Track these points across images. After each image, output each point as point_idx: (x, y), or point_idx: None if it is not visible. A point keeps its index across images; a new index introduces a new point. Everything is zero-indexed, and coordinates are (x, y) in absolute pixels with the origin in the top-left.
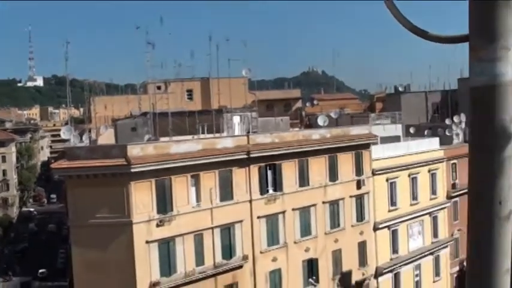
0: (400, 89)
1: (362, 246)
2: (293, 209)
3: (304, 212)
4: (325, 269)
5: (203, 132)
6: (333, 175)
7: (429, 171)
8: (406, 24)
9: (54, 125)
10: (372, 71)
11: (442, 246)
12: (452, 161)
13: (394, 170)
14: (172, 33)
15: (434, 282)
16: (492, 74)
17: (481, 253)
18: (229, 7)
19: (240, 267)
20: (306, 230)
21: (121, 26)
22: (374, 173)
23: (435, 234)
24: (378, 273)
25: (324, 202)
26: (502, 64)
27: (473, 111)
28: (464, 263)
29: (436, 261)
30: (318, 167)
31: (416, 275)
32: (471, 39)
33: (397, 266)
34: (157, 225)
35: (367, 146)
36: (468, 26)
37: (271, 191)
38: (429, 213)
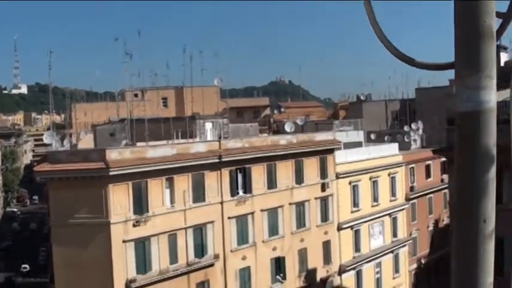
0: (362, 97)
1: (326, 245)
2: (261, 210)
3: (272, 213)
4: (292, 267)
5: (177, 138)
6: (299, 178)
7: (389, 174)
8: (393, 51)
9: (37, 130)
10: (335, 81)
11: (401, 245)
12: (410, 165)
13: (356, 173)
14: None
15: (393, 278)
16: (477, 101)
17: (466, 268)
18: (203, 20)
19: (212, 265)
20: (273, 230)
21: (101, 38)
22: (338, 176)
23: (395, 234)
24: (341, 271)
25: (290, 204)
26: (487, 92)
27: (460, 135)
28: (422, 260)
29: (396, 259)
30: (285, 171)
31: (377, 272)
32: (457, 68)
33: (359, 263)
34: (134, 226)
35: (331, 151)
36: (454, 54)
37: (241, 193)
38: (389, 214)
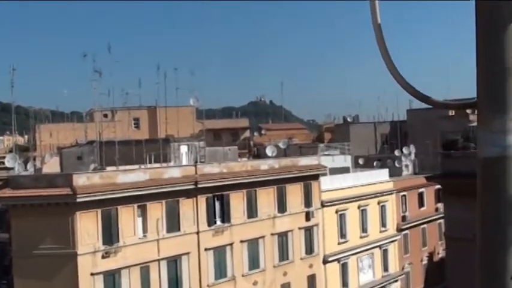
0: (349, 119)
1: (311, 280)
2: (241, 241)
3: (253, 244)
4: None
5: (150, 162)
6: (282, 206)
7: (379, 203)
8: (408, 88)
9: None
10: (320, 101)
11: (392, 280)
12: (402, 193)
13: (343, 201)
14: (120, 61)
15: None
16: (503, 145)
17: None
18: (178, 36)
19: None
20: (254, 262)
21: (68, 53)
22: (323, 204)
23: (386, 268)
24: None
25: (272, 234)
26: None
27: (483, 182)
28: None
29: None
30: (266, 198)
31: None
32: (480, 109)
33: None
34: (103, 257)
35: (316, 177)
36: (476, 94)
37: (219, 223)
38: (379, 246)
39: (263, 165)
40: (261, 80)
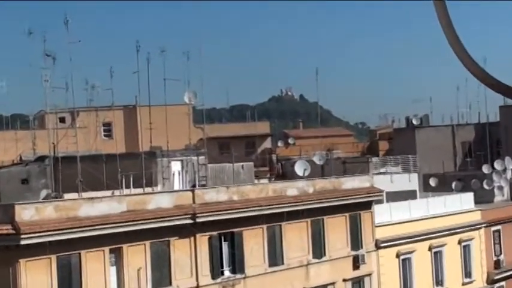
0: (415, 121)
1: None
2: None
3: None
4: None
5: (128, 186)
6: (319, 249)
7: (460, 242)
8: (481, 75)
9: None
10: (372, 96)
11: None
12: (494, 228)
13: (407, 241)
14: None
15: None
16: None
17: None
18: (168, 7)
19: None
20: None
21: (6, 30)
22: (378, 245)
23: None
24: None
25: None
26: None
27: None
28: None
29: None
30: (296, 237)
31: None
32: None
33: None
34: None
35: (367, 206)
36: None
37: (227, 273)
38: None
39: (291, 189)
40: (287, 66)
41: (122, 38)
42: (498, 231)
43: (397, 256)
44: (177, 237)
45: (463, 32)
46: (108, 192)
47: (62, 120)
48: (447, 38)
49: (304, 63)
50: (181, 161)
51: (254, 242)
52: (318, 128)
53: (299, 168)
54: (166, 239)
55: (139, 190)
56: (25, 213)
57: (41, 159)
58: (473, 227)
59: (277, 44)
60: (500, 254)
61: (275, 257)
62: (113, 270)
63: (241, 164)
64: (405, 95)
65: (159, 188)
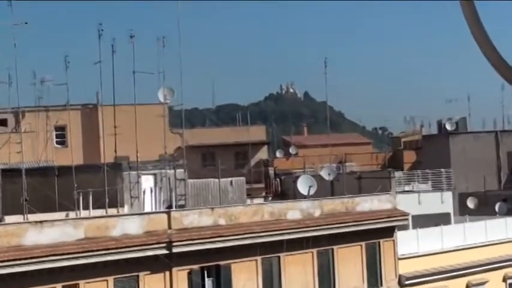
0: (449, 126)
1: None
2: None
3: None
4: None
5: (87, 207)
6: (327, 286)
7: (505, 279)
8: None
9: None
10: (395, 95)
11: None
12: None
13: (439, 277)
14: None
15: None
16: None
17: None
18: None
19: None
20: None
21: None
22: (402, 282)
23: None
24: None
25: None
26: None
27: None
28: None
29: None
30: (298, 272)
31: None
32: None
33: None
34: None
35: (388, 233)
36: None
37: None
38: None
39: (292, 211)
40: (288, 57)
41: (82, 20)
42: None
43: None
44: (148, 272)
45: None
46: (62, 215)
47: (3, 122)
48: (474, 38)
49: (309, 52)
50: (154, 175)
51: (246, 277)
52: (326, 134)
53: (303, 185)
54: (135, 273)
55: (101, 212)
56: None
57: None
58: None
59: (275, 29)
60: None
61: None
62: None
63: (230, 179)
64: (437, 94)
65: (126, 209)
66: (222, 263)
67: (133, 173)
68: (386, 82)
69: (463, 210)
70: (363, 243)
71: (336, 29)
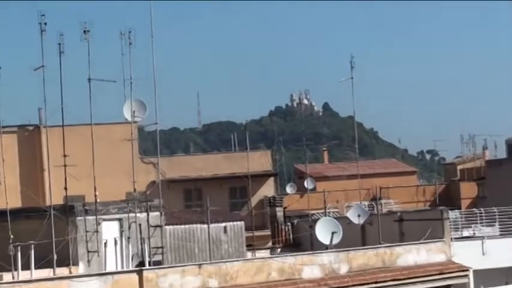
0: None
1: None
2: None
3: None
4: None
5: (27, 267)
6: None
7: None
8: None
9: None
10: (445, 107)
11: None
12: None
13: None
14: None
15: None
16: None
17: None
18: None
19: None
20: None
21: None
22: None
23: None
24: None
25: None
26: None
27: None
28: None
29: None
30: None
31: None
32: None
33: None
34: None
35: None
36: None
37: None
38: None
39: (310, 267)
40: (299, 58)
41: (18, 9)
42: None
43: None
44: None
45: None
46: None
47: None
48: None
49: (330, 51)
50: (120, 220)
51: None
52: (355, 160)
53: (323, 232)
54: None
55: (48, 272)
56: None
57: None
58: None
59: (282, 21)
60: None
61: None
62: None
63: (224, 224)
64: (504, 104)
65: (80, 268)
66: None
67: (91, 218)
68: (434, 90)
69: None
70: None
71: (366, 23)
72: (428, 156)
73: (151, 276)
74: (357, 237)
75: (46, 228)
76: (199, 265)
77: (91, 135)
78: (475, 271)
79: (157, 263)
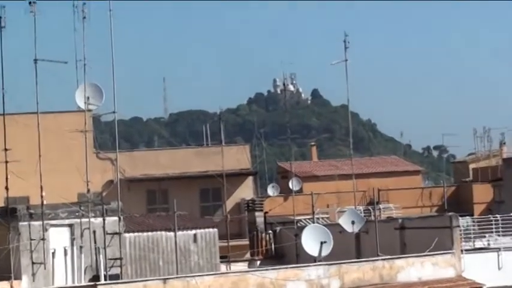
0: None
1: None
2: None
3: None
4: None
5: None
6: None
7: None
8: None
9: None
10: (454, 96)
11: None
12: None
13: None
14: None
15: None
16: None
17: None
18: None
19: None
20: None
21: None
22: None
23: None
24: None
25: None
26: None
27: None
28: None
29: None
30: None
31: None
32: None
33: None
34: None
35: None
36: None
37: None
38: None
39: (295, 283)
40: (283, 36)
41: None
42: None
43: None
44: None
45: None
46: None
47: None
48: None
49: (319, 30)
50: (71, 226)
51: None
52: (348, 157)
53: (311, 241)
54: None
55: None
56: None
57: None
58: None
59: None
60: None
61: None
62: None
63: (193, 232)
64: None
65: (24, 283)
66: None
67: (36, 223)
68: (444, 75)
69: None
70: None
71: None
72: (435, 153)
73: None
74: (350, 248)
75: None
76: (165, 280)
77: (37, 125)
78: None
79: (115, 277)
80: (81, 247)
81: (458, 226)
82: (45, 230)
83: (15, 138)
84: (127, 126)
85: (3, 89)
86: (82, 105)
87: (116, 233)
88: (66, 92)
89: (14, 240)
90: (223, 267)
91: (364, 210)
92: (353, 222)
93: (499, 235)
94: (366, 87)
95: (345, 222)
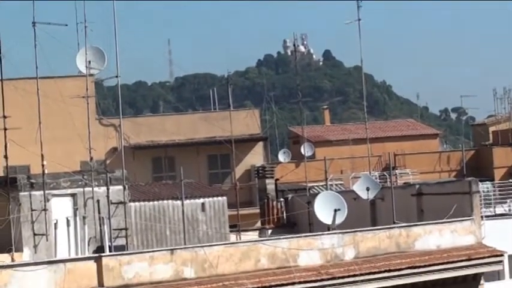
0: None
1: None
2: None
3: None
4: None
5: None
6: None
7: None
8: None
9: None
10: (472, 54)
11: None
12: None
13: None
14: None
15: None
16: None
17: None
18: None
19: None
20: None
21: None
22: None
23: None
24: None
25: None
26: None
27: None
28: None
29: None
30: None
31: None
32: None
33: None
34: None
35: (472, 284)
36: None
37: None
38: None
39: (308, 252)
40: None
41: None
42: None
43: None
44: None
45: None
46: None
47: None
48: None
49: None
50: (73, 196)
51: None
52: (362, 121)
53: (324, 208)
54: None
55: None
56: None
57: None
58: None
59: None
60: None
61: None
62: None
63: (201, 200)
64: None
65: (25, 255)
66: None
67: (38, 193)
68: (462, 33)
69: None
70: None
71: None
72: (453, 116)
73: (112, 264)
74: (365, 215)
75: None
76: (172, 250)
77: (37, 91)
78: (510, 256)
79: (120, 248)
80: (84, 217)
81: (478, 192)
82: (46, 200)
83: (14, 105)
84: (131, 91)
85: (0, 53)
86: (83, 70)
87: (121, 203)
88: (67, 56)
89: (15, 211)
90: (232, 237)
91: (379, 175)
92: (368, 189)
93: None
94: (380, 47)
95: (359, 188)
